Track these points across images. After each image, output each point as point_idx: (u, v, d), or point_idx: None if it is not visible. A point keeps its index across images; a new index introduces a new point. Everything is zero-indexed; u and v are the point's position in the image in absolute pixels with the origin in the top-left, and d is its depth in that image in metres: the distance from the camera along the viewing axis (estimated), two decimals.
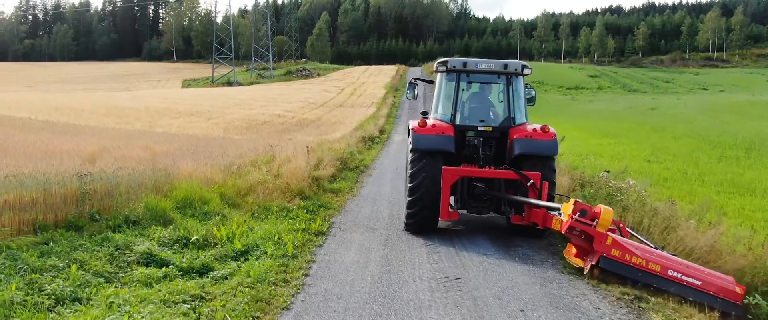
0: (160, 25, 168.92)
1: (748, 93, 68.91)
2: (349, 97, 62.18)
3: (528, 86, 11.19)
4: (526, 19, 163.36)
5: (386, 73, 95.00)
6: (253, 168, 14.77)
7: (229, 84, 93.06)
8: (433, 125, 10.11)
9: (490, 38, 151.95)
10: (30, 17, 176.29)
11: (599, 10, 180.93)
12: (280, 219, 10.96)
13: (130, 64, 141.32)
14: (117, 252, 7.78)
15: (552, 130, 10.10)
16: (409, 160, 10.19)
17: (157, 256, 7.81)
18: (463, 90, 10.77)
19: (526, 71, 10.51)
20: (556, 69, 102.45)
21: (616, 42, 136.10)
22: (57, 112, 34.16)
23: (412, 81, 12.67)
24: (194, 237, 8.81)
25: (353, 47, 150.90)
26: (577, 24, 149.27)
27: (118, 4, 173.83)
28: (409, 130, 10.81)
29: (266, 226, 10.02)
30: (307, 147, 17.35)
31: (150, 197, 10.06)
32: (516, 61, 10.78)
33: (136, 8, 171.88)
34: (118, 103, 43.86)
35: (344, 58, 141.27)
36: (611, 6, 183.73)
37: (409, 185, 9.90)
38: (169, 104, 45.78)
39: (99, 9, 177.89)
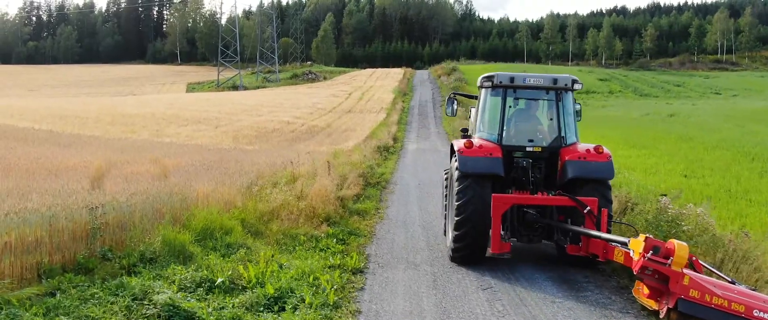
0: (164, 26, 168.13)
1: (763, 98, 67.65)
2: (358, 103, 61.12)
3: (574, 100, 10.37)
4: (531, 21, 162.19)
5: (393, 76, 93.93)
6: (273, 187, 13.72)
7: (235, 88, 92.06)
8: (480, 146, 9.39)
9: (496, 40, 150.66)
10: (34, 18, 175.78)
11: (604, 11, 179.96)
12: (310, 251, 9.94)
13: (135, 66, 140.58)
14: (134, 304, 6.72)
15: (607, 150, 9.39)
16: (455, 185, 9.38)
17: (181, 308, 6.74)
18: (510, 107, 9.99)
19: (576, 86, 9.81)
20: (565, 72, 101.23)
21: (624, 44, 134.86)
22: (61, 120, 33.21)
23: (451, 96, 12.04)
24: (219, 280, 7.77)
25: (358, 49, 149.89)
26: (584, 25, 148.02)
27: (123, 5, 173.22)
28: (453, 150, 10.04)
29: (297, 262, 8.97)
30: (329, 163, 16.29)
31: (167, 229, 9.00)
32: (566, 75, 9.98)
33: (140, 9, 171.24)
34: (124, 109, 42.86)
35: (349, 60, 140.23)
36: (616, 6, 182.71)
37: (456, 213, 9.08)
38: (176, 110, 44.76)
39: (103, 10, 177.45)
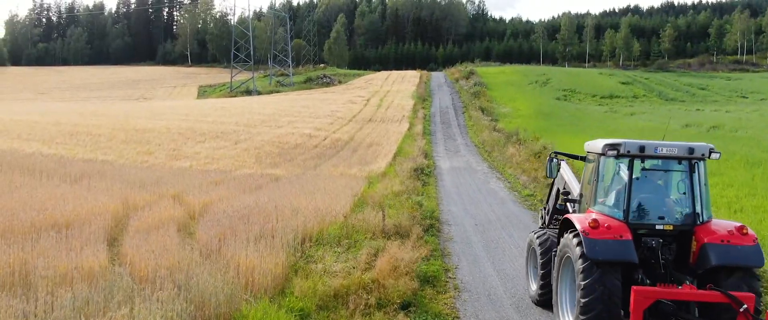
0: (174, 27, 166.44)
1: None
2: (377, 110, 58.79)
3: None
4: (544, 20, 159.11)
5: (410, 80, 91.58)
6: (328, 251, 11.44)
7: (248, 93, 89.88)
8: (608, 226, 8.07)
9: (511, 41, 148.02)
10: (44, 20, 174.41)
11: (617, 10, 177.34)
12: None
13: (145, 68, 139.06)
14: None
15: (751, 231, 8.23)
16: (578, 264, 8.08)
17: None
18: (636, 178, 8.65)
19: (713, 156, 8.59)
20: (585, 75, 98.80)
21: (641, 44, 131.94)
22: (72, 139, 31.08)
23: (552, 156, 10.86)
24: None
25: (371, 51, 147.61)
26: (600, 26, 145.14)
27: (132, 6, 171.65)
28: (570, 224, 8.67)
29: None
30: (383, 211, 13.93)
31: None
32: (702, 143, 8.64)
33: (150, 10, 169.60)
34: (137, 123, 40.69)
35: (362, 62, 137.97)
36: (629, 6, 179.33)
37: (582, 295, 7.91)
38: (192, 122, 42.57)
39: (113, 11, 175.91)
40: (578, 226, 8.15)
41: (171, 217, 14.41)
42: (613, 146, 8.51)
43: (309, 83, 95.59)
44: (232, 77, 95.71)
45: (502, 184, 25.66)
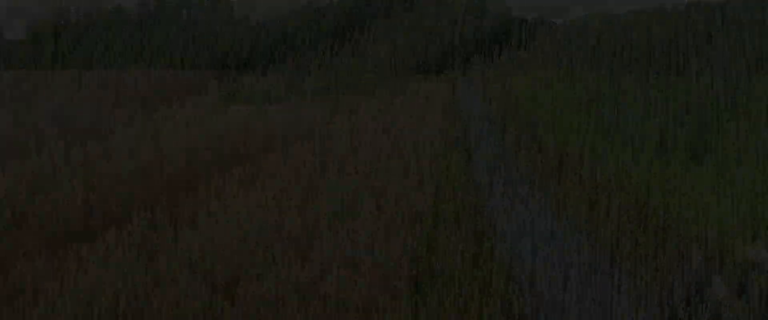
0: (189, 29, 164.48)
1: None
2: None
3: None
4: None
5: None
6: None
7: (268, 102, 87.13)
8: None
9: None
10: (63, 22, 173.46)
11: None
12: None
13: (159, 71, 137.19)
14: None
15: None
16: None
17: None
18: None
19: None
20: None
21: None
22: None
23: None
24: None
25: None
26: None
27: (151, 8, 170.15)
28: None
29: None
30: None
31: None
32: None
33: (167, 12, 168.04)
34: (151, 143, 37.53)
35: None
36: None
37: None
38: (211, 141, 39.56)
39: (132, 12, 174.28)
40: None
41: None
42: None
43: (328, 90, 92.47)
44: (247, 85, 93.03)
45: None
